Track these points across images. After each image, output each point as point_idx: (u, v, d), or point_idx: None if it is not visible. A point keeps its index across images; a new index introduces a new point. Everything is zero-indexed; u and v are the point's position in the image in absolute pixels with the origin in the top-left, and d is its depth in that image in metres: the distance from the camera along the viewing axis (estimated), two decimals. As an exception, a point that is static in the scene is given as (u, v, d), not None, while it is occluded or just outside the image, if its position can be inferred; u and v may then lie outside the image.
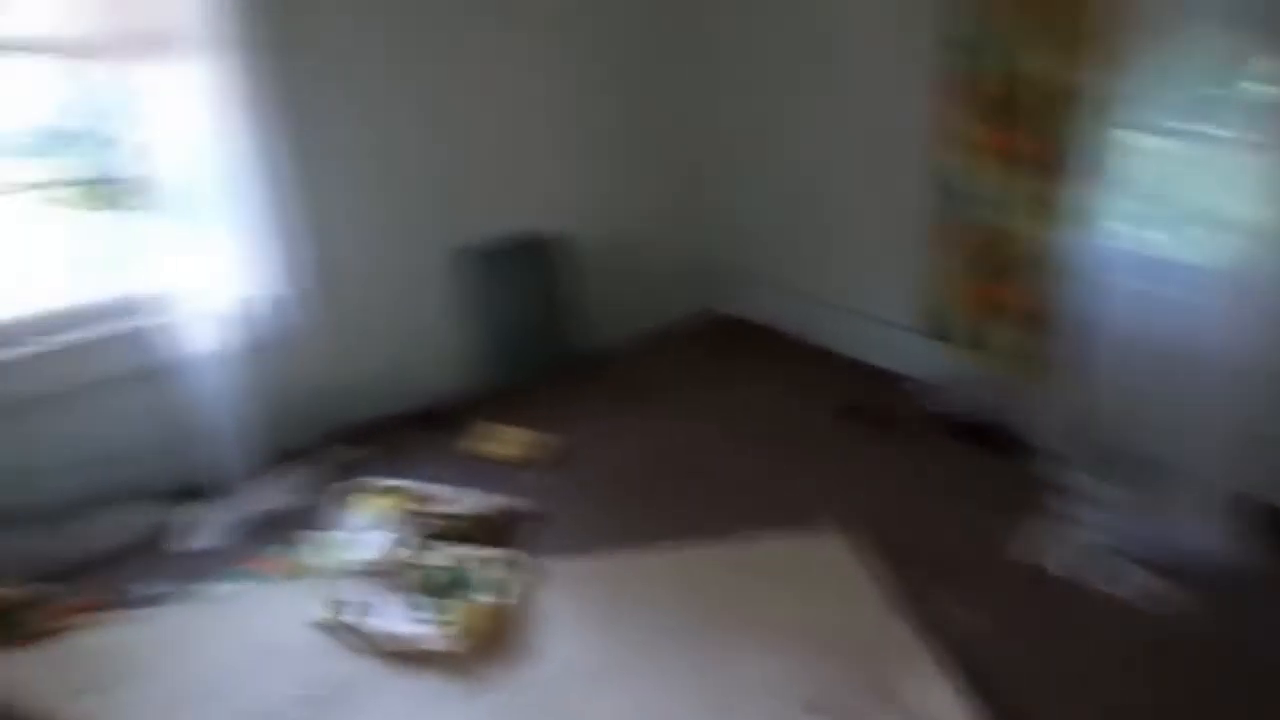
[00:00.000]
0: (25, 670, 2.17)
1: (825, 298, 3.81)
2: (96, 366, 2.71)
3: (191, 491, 2.81)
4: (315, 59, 2.90)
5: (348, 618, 2.27)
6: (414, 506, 2.63)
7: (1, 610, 2.31)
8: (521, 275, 3.50)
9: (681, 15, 3.79)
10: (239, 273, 2.83)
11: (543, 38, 3.42)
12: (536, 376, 3.57)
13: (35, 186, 2.67)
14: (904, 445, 3.12)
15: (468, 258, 3.39)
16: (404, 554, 2.45)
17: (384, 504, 2.62)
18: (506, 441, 3.13)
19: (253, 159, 2.74)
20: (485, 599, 2.32)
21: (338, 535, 2.57)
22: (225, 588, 2.48)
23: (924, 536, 2.63)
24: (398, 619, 2.27)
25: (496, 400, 3.42)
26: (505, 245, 3.46)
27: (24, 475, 2.64)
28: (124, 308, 2.75)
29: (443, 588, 2.37)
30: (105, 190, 2.72)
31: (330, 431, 3.14)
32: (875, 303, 3.60)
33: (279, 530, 2.70)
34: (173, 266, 2.68)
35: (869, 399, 3.39)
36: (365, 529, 2.53)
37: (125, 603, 2.43)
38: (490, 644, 2.25)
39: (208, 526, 2.72)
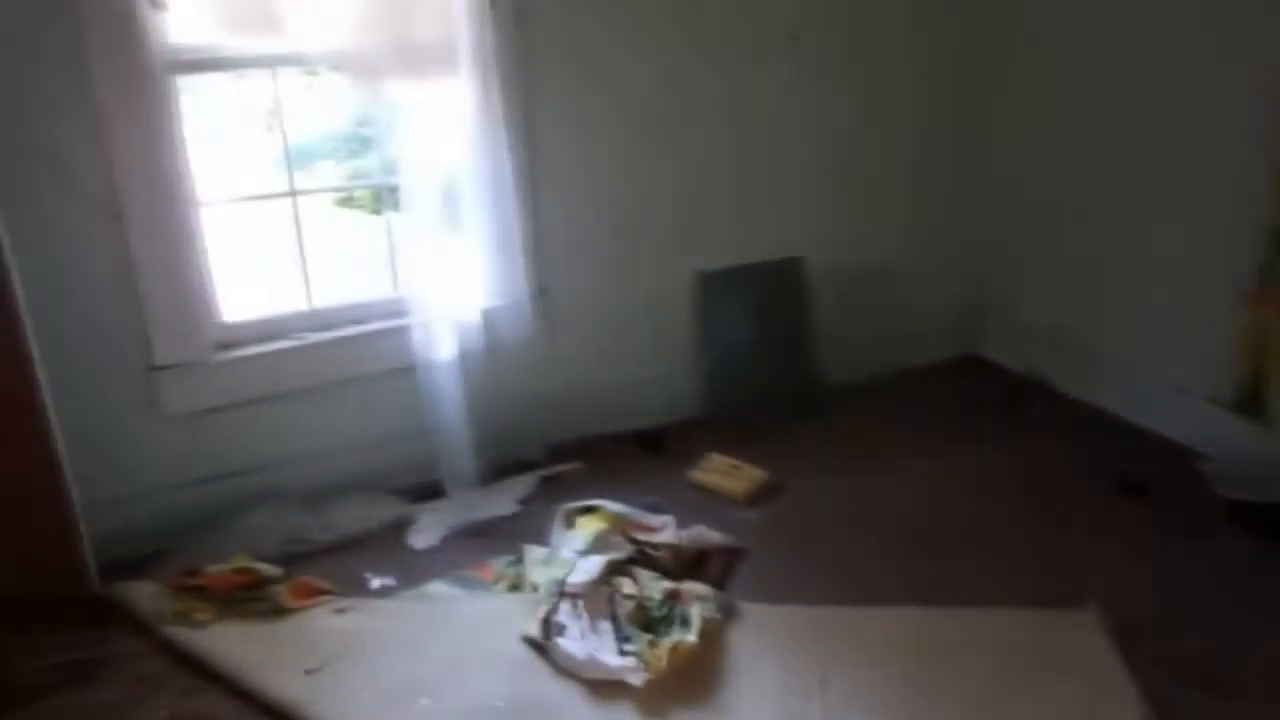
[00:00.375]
0: (259, 645, 2.33)
1: (1109, 354, 3.40)
2: (357, 361, 2.90)
3: (427, 489, 2.92)
4: (569, 75, 2.98)
5: (555, 638, 2.26)
6: (629, 532, 2.59)
7: (252, 585, 2.50)
8: (762, 303, 3.40)
9: (974, 45, 3.57)
10: (481, 281, 2.95)
11: (803, 62, 3.32)
12: (765, 409, 3.44)
13: (322, 190, 2.91)
14: (1189, 530, 2.70)
15: (706, 280, 3.34)
16: (617, 581, 2.41)
17: (600, 526, 2.60)
18: (722, 473, 3.03)
19: (502, 171, 2.85)
20: (689, 638, 2.23)
21: (555, 552, 2.58)
22: (448, 590, 2.56)
23: (1199, 638, 2.25)
24: (603, 646, 2.22)
25: (719, 429, 3.32)
26: (747, 271, 3.37)
27: (285, 458, 2.86)
28: (384, 307, 2.94)
29: (652, 621, 2.30)
30: (380, 195, 2.94)
31: (552, 443, 3.18)
32: (1170, 366, 3.16)
33: (501, 539, 2.74)
34: (426, 270, 2.81)
35: (1151, 473, 2.98)
36: (581, 549, 2.52)
37: (359, 590, 2.57)
38: (687, 685, 2.15)
39: (437, 526, 2.82)
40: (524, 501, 2.94)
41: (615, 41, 3.04)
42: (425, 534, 2.81)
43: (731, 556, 2.63)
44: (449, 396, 2.85)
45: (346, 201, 3.08)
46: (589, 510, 2.69)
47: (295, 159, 2.80)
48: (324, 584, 2.54)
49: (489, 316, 2.96)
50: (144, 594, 2.49)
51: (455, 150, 2.82)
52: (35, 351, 2.34)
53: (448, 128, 2.79)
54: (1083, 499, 2.90)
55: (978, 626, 2.32)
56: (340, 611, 2.47)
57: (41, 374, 2.36)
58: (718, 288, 3.36)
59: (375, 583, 2.61)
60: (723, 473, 3.04)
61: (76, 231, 2.53)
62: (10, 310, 2.28)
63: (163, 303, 2.64)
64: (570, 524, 2.67)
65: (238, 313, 2.85)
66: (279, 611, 2.45)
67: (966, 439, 3.28)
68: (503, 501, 2.92)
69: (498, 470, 3.02)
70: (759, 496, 2.95)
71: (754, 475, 3.02)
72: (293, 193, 2.81)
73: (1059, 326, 3.59)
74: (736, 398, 3.43)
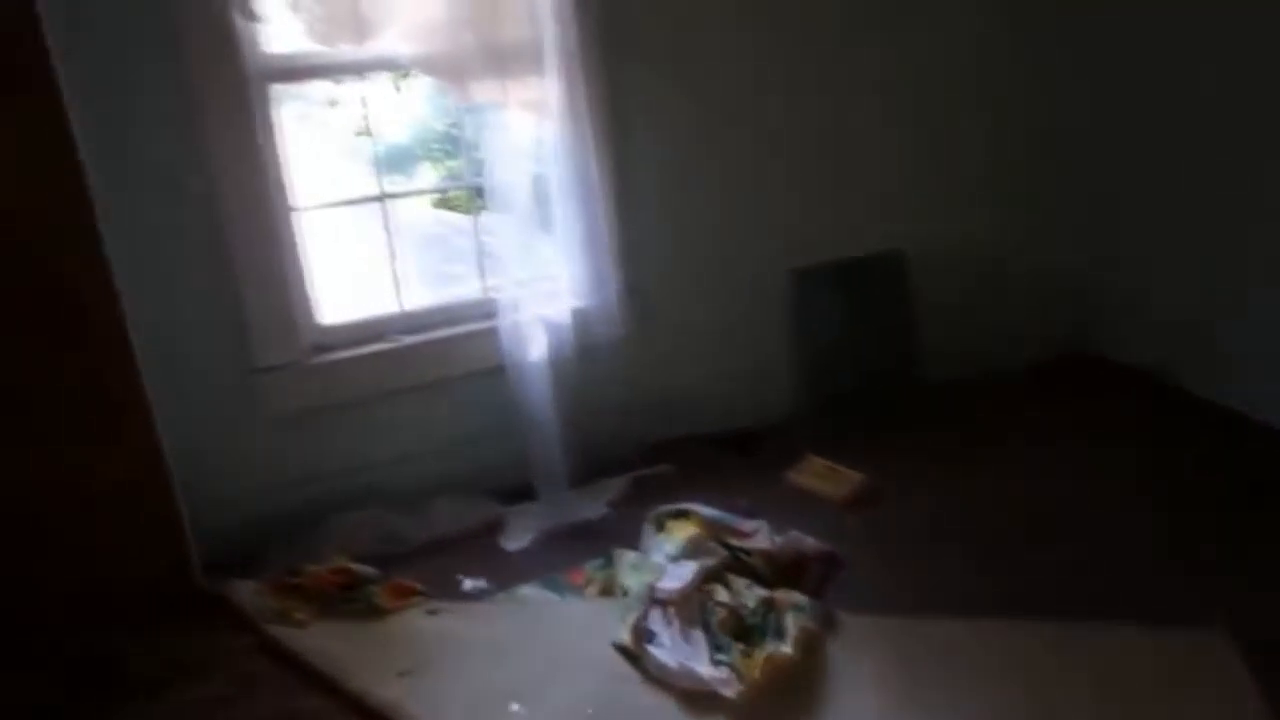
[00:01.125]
0: (355, 646, 2.35)
1: (1238, 351, 3.17)
2: (450, 363, 2.91)
3: (518, 491, 2.92)
4: (656, 72, 2.94)
5: (647, 645, 2.21)
6: (721, 537, 2.53)
7: (350, 585, 2.53)
8: (860, 299, 3.29)
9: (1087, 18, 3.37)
10: (571, 281, 2.93)
11: (900, 47, 3.21)
12: (864, 409, 3.32)
13: (413, 194, 2.94)
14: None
15: (801, 277, 3.25)
16: (710, 588, 2.35)
17: (692, 530, 2.54)
18: (819, 476, 2.94)
19: (589, 170, 2.82)
20: (784, 649, 2.15)
21: (648, 558, 2.53)
22: (539, 593, 2.54)
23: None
24: (695, 655, 2.17)
25: (816, 431, 3.23)
26: (844, 266, 3.27)
27: (380, 459, 2.90)
28: (476, 309, 2.95)
29: (746, 630, 2.24)
30: (472, 196, 2.94)
31: (644, 445, 3.13)
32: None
33: (593, 542, 2.71)
34: (516, 271, 2.80)
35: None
36: (672, 554, 2.47)
37: (452, 592, 2.57)
38: (781, 699, 2.08)
39: (529, 528, 2.82)
40: (615, 504, 2.91)
41: (703, 35, 2.98)
42: (517, 536, 2.81)
43: (829, 564, 2.54)
44: (540, 397, 2.83)
45: (442, 203, 3.09)
46: (681, 514, 2.64)
47: (388, 162, 2.83)
48: (418, 585, 2.56)
49: (579, 317, 2.93)
50: (246, 592, 2.54)
51: (543, 150, 2.81)
52: (139, 354, 2.41)
53: (535, 128, 2.78)
54: (1210, 506, 2.70)
55: (1095, 644, 2.18)
56: (433, 613, 2.49)
57: (146, 375, 2.44)
58: (813, 284, 3.26)
59: (467, 584, 2.61)
60: (820, 476, 2.95)
61: (179, 236, 2.60)
62: (115, 313, 2.36)
63: (262, 306, 2.70)
64: (661, 528, 2.63)
65: (333, 315, 2.89)
66: (375, 612, 2.48)
67: (1080, 441, 3.10)
68: (594, 504, 2.90)
69: (589, 472, 2.99)
70: (858, 501, 2.85)
71: (852, 478, 2.92)
72: (383, 196, 2.84)
73: (1185, 322, 3.36)
74: (834, 398, 3.33)
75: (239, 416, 2.75)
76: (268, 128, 2.63)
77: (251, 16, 2.50)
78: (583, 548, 2.71)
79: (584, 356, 2.94)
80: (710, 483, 2.90)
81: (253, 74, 2.56)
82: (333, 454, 2.86)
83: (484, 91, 2.68)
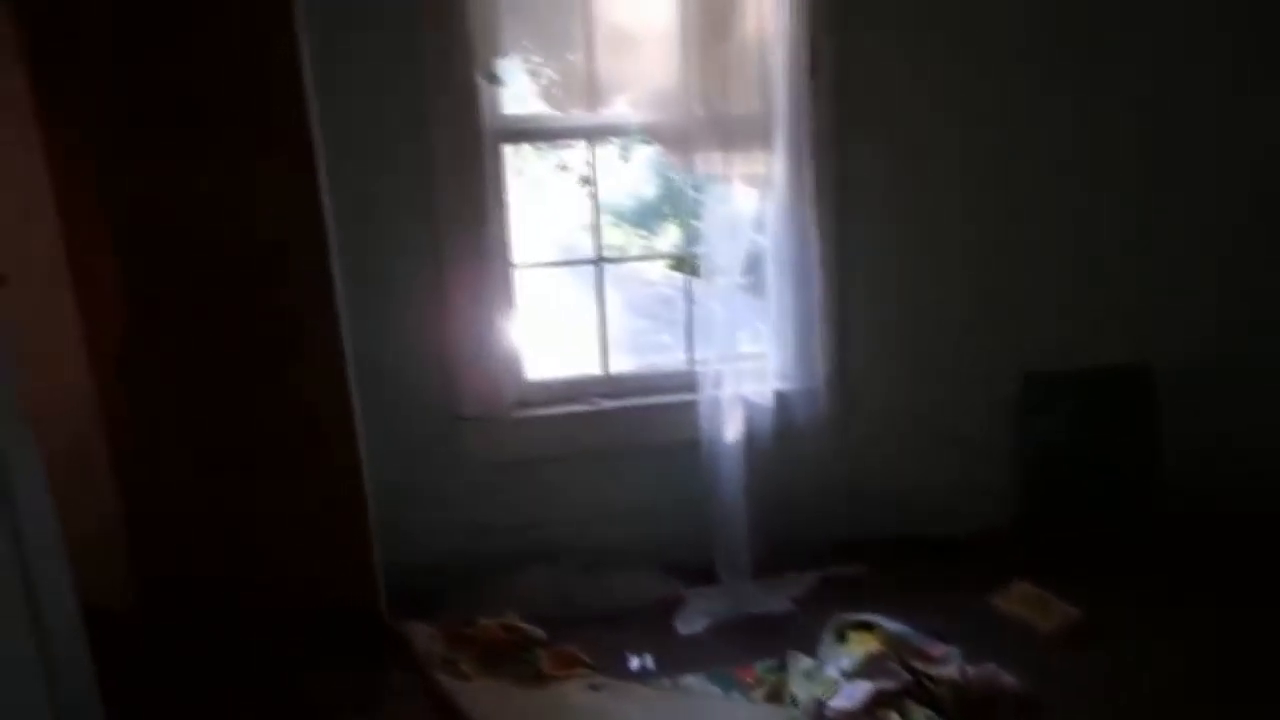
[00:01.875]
0: (514, 710, 2.33)
1: None
2: (646, 431, 2.88)
3: (700, 571, 2.81)
4: (888, 155, 2.81)
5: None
6: (906, 658, 2.32)
7: (517, 645, 2.52)
8: (1097, 410, 2.99)
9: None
10: (778, 361, 2.83)
11: (1159, 134, 2.91)
12: (1090, 535, 2.98)
13: (631, 258, 2.95)
14: None
15: (1031, 381, 2.98)
16: (885, 715, 2.15)
17: (874, 646, 2.35)
18: (1028, 604, 2.66)
19: (808, 248, 2.73)
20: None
21: (823, 669, 2.36)
22: (705, 687, 2.43)
23: None
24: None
25: (1031, 551, 2.92)
26: (1083, 374, 2.97)
27: (567, 518, 2.89)
28: (678, 379, 2.90)
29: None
30: (685, 265, 2.92)
31: (838, 541, 2.94)
32: None
33: (770, 639, 2.57)
34: (721, 345, 2.73)
35: None
36: (849, 670, 2.29)
37: (617, 668, 2.51)
38: None
39: (705, 613, 2.71)
40: (799, 601, 2.75)
41: (939, 117, 2.81)
42: (692, 619, 2.71)
43: (1025, 707, 2.27)
44: (731, 478, 2.74)
45: (675, 266, 3.08)
46: (864, 626, 2.45)
47: (610, 225, 2.86)
48: (583, 656, 2.51)
49: (782, 398, 2.82)
50: (421, 635, 2.59)
51: (762, 224, 2.74)
52: (355, 388, 2.53)
53: (756, 201, 2.72)
54: None
55: None
56: (595, 688, 2.43)
57: (357, 408, 2.55)
58: (1046, 390, 2.98)
59: (634, 663, 2.54)
60: (1028, 603, 2.66)
61: (403, 280, 2.72)
62: (337, 345, 2.49)
63: (472, 356, 2.77)
64: (842, 638, 2.45)
65: (540, 371, 2.93)
66: (538, 677, 2.45)
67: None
68: (776, 598, 2.75)
69: (776, 562, 2.84)
70: (1068, 638, 2.55)
71: (1066, 612, 2.61)
72: (599, 259, 2.86)
73: None
74: (1056, 518, 3.01)
75: (438, 461, 2.83)
76: (496, 185, 2.72)
77: (493, 80, 2.60)
78: (757, 643, 2.57)
79: (783, 440, 2.82)
80: (903, 593, 2.68)
81: (487, 133, 2.66)
82: (523, 507, 2.89)
83: (708, 162, 2.65)
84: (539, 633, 2.56)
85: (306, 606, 2.63)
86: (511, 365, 2.86)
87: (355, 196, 2.60)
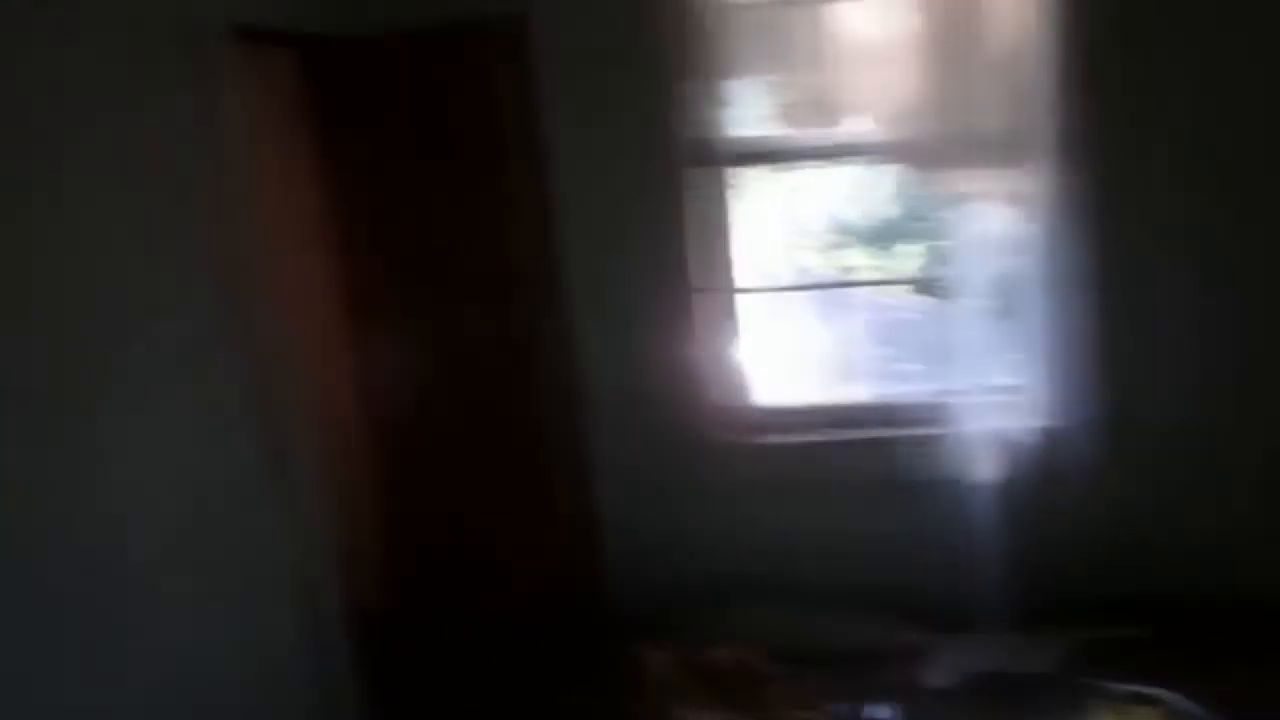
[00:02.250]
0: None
1: None
2: (886, 466, 2.70)
3: (948, 619, 2.60)
4: (1161, 167, 2.48)
5: None
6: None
7: (750, 681, 2.43)
8: None
9: None
10: (1037, 395, 2.58)
11: None
12: None
13: (867, 282, 2.82)
14: None
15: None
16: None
17: (1146, 723, 2.05)
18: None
19: (1069, 272, 2.47)
20: None
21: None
22: (947, 746, 2.22)
23: None
24: None
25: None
26: None
27: (802, 552, 2.77)
28: (923, 411, 2.70)
29: None
30: (929, 288, 2.74)
31: (1110, 598, 2.60)
32: None
33: (1030, 702, 2.32)
34: (972, 377, 2.52)
35: None
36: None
37: (854, 717, 2.35)
38: None
39: (959, 667, 2.49)
40: (1064, 663, 2.46)
41: (1215, 128, 2.45)
42: (942, 672, 2.49)
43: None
44: (985, 522, 2.51)
45: (918, 289, 2.89)
46: (1144, 700, 2.14)
47: (846, 247, 2.74)
48: (818, 701, 2.38)
49: (1043, 436, 2.56)
50: (656, 661, 2.56)
51: (1016, 246, 2.51)
52: (593, 409, 2.56)
53: (1010, 221, 2.50)
54: None
55: None
56: (819, 736, 2.29)
57: (595, 429, 2.58)
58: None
59: (873, 712, 2.37)
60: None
61: (637, 309, 2.74)
62: (569, 369, 2.54)
63: (705, 383, 2.74)
64: (1119, 714, 2.15)
65: (774, 398, 2.85)
66: (769, 715, 2.35)
67: None
68: (1038, 657, 2.48)
69: (1038, 616, 2.56)
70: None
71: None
72: (836, 284, 2.75)
73: None
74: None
75: (671, 487, 2.82)
76: (724, 209, 2.69)
77: (720, 102, 2.57)
78: (1016, 708, 2.32)
79: (1045, 482, 2.56)
80: (1193, 665, 2.32)
81: (717, 157, 2.63)
82: (757, 537, 2.80)
83: (955, 180, 2.47)
84: (775, 671, 2.45)
85: (542, 622, 2.69)
86: (747, 392, 2.80)
87: (586, 225, 2.66)
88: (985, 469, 2.51)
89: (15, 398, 1.55)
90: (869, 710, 2.37)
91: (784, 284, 2.86)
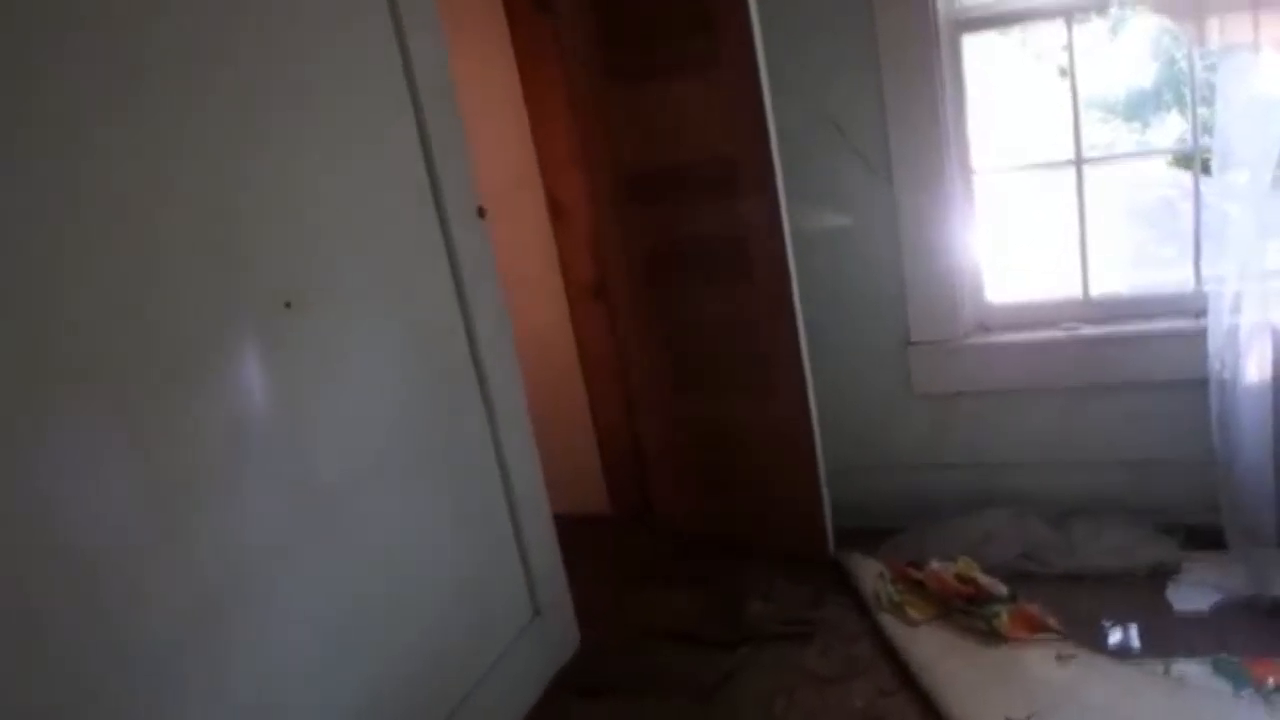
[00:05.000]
0: (966, 668, 2.10)
1: None
2: (1135, 365, 2.42)
3: (1202, 534, 2.33)
4: None
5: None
6: None
7: (974, 598, 2.27)
8: None
9: None
10: None
11: None
12: None
13: (1118, 155, 2.47)
14: None
15: None
16: None
17: None
18: None
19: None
20: None
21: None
22: (1206, 678, 1.99)
23: None
24: None
25: None
26: None
27: (1032, 460, 2.56)
28: (1181, 303, 2.39)
29: None
30: (1194, 162, 2.35)
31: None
32: None
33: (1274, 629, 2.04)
34: (1244, 261, 2.16)
35: None
36: None
37: (1093, 640, 2.16)
38: None
39: (1210, 587, 2.23)
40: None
41: None
42: (1192, 593, 2.24)
43: None
44: (1254, 425, 2.19)
45: (1179, 162, 2.53)
46: None
47: (1096, 119, 2.39)
48: (1052, 621, 2.19)
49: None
50: (869, 573, 2.46)
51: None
52: (800, 311, 2.41)
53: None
54: None
55: None
56: (1063, 659, 2.11)
57: (803, 334, 2.44)
58: None
59: (1114, 636, 2.17)
60: None
61: (852, 196, 2.54)
62: (782, 269, 2.38)
63: (924, 275, 2.53)
64: None
65: (1004, 293, 2.59)
66: (994, 635, 2.19)
67: None
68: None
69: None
70: None
71: None
72: (1079, 160, 2.41)
73: None
74: None
75: (891, 389, 2.65)
76: (955, 81, 2.41)
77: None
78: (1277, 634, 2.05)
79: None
80: None
81: (943, 22, 2.35)
82: (980, 444, 2.61)
83: (1228, 28, 2.08)
84: (1001, 589, 2.27)
85: (757, 541, 2.63)
86: (971, 285, 2.56)
87: (802, 107, 2.46)
88: (1256, 366, 2.17)
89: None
90: (1107, 633, 2.17)
91: (1023, 163, 2.54)
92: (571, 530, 2.93)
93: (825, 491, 2.56)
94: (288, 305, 1.70)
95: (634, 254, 2.63)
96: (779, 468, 2.58)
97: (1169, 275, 2.45)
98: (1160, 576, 2.31)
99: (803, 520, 2.59)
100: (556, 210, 2.73)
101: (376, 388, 1.90)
